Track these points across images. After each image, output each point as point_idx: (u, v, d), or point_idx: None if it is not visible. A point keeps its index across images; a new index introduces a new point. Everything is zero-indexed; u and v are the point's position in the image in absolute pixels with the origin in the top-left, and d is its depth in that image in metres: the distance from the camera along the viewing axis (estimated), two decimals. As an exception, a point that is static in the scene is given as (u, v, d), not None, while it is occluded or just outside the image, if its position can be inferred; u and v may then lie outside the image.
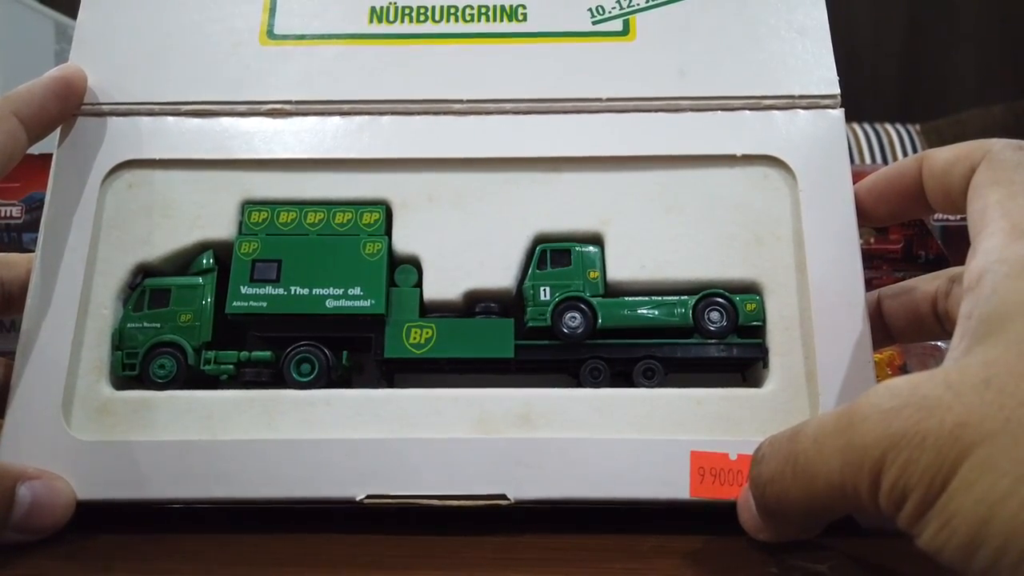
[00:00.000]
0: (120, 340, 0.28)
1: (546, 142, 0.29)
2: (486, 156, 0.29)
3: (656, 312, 0.28)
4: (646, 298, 0.28)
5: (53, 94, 0.29)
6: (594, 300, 0.28)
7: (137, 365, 0.27)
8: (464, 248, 0.29)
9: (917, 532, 0.18)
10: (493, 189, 0.29)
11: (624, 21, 0.31)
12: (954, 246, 0.32)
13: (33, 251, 0.28)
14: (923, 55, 1.39)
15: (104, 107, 0.30)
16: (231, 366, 0.28)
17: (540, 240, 0.29)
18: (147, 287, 0.28)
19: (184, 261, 0.29)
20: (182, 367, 0.27)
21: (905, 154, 1.21)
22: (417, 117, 0.30)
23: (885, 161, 1.18)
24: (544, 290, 0.28)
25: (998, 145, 0.23)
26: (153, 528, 0.26)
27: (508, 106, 0.30)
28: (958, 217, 0.37)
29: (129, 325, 0.28)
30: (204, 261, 0.29)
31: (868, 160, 1.17)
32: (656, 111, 0.30)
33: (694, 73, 0.30)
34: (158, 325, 0.28)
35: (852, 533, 0.25)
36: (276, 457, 0.26)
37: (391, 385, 0.30)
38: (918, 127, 1.27)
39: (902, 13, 1.40)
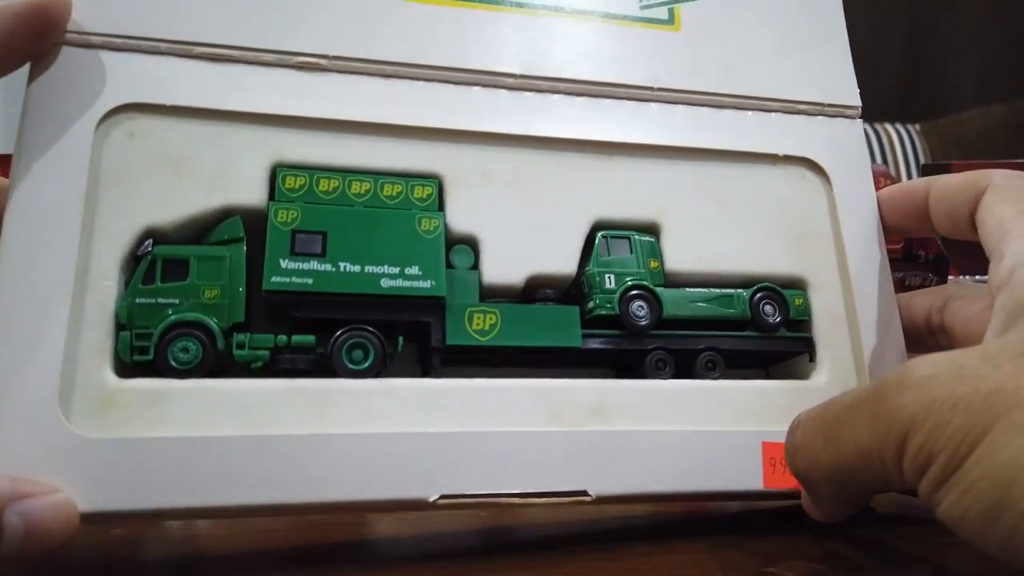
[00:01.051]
0: (128, 319, 0.23)
1: (600, 126, 0.28)
2: (540, 135, 0.28)
3: (717, 304, 0.28)
4: (706, 290, 0.28)
5: (23, 24, 0.23)
6: (658, 290, 0.27)
7: (151, 348, 0.23)
8: (525, 230, 0.27)
9: (938, 500, 0.18)
10: (549, 170, 0.28)
11: (669, 10, 0.31)
12: (954, 247, 0.35)
13: None
14: (923, 55, 1.37)
15: (93, 38, 0.25)
16: (267, 351, 0.24)
17: (598, 227, 0.28)
18: (159, 256, 0.24)
19: (201, 228, 0.25)
20: (208, 352, 0.23)
21: (905, 154, 1.21)
22: (466, 88, 0.28)
23: (885, 161, 1.19)
24: (609, 277, 0.27)
25: (1000, 173, 0.25)
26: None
27: (561, 86, 0.29)
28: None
29: (138, 300, 0.23)
30: (230, 229, 0.25)
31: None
32: (701, 105, 0.30)
33: (737, 71, 0.31)
34: (176, 301, 0.23)
35: (852, 533, 0.26)
36: (332, 455, 0.22)
37: (426, 376, 0.27)
38: (918, 127, 1.26)
39: (902, 13, 1.37)
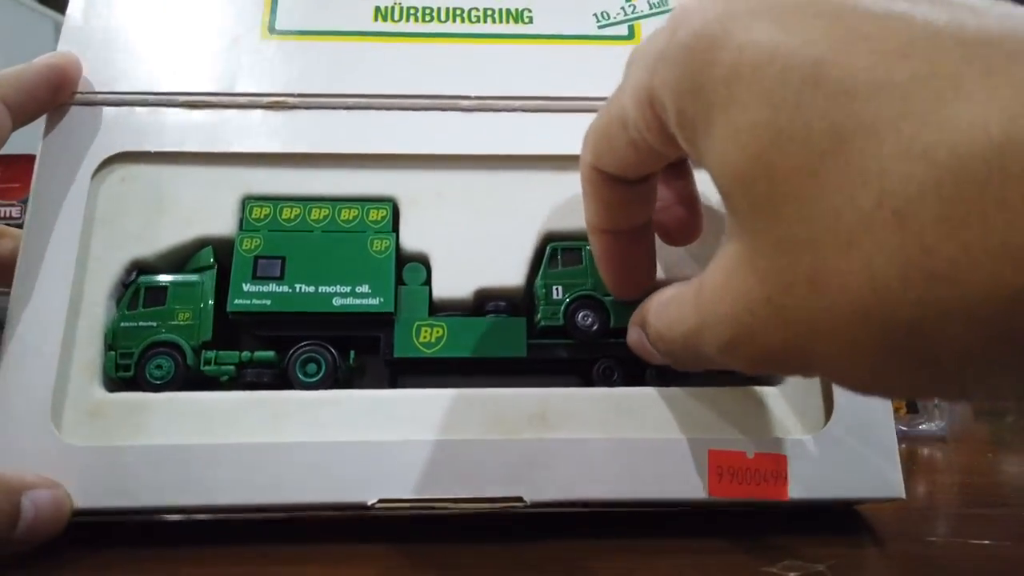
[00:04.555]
0: (113, 340, 0.26)
1: (554, 140, 0.29)
2: (494, 153, 0.29)
3: (669, 312, 0.28)
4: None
5: (45, 82, 0.28)
6: (606, 299, 0.27)
7: (132, 366, 0.26)
8: (474, 246, 0.28)
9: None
10: (502, 187, 0.29)
11: (629, 27, 0.32)
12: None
13: None
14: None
15: (97, 96, 0.29)
16: (232, 367, 0.26)
17: (549, 239, 0.29)
18: (142, 285, 0.27)
19: (181, 258, 0.28)
20: (180, 368, 0.26)
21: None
22: (424, 113, 0.29)
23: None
24: (556, 289, 0.27)
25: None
26: (150, 542, 0.25)
27: (516, 103, 0.30)
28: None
29: (123, 324, 0.26)
30: (203, 258, 0.27)
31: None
32: (662, 114, 0.30)
33: None
34: (154, 324, 0.27)
35: (852, 533, 0.26)
36: (283, 461, 0.24)
37: (395, 387, 0.29)
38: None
39: None
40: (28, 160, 0.28)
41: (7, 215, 0.39)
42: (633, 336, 0.25)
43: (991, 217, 0.12)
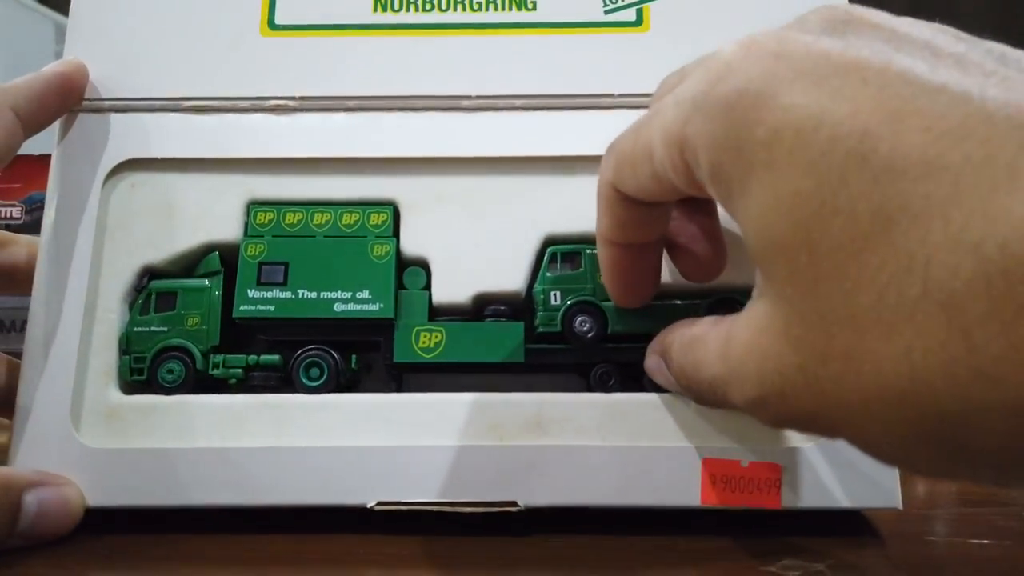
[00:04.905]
0: (127, 344, 0.27)
1: (558, 141, 0.29)
2: (496, 155, 0.29)
3: (668, 316, 0.27)
4: (658, 303, 0.28)
5: (54, 90, 0.28)
6: (605, 304, 0.27)
7: (145, 370, 0.27)
8: (473, 250, 0.28)
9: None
10: (503, 189, 0.29)
11: (637, 10, 0.30)
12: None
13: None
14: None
15: (104, 103, 0.29)
16: (240, 370, 0.27)
17: (550, 242, 0.28)
18: (153, 290, 0.28)
19: (190, 263, 0.29)
20: (190, 371, 0.27)
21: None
22: (424, 114, 0.29)
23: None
24: (555, 295, 0.27)
25: None
26: (154, 529, 0.26)
27: (518, 102, 0.29)
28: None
29: (136, 329, 0.28)
30: (210, 263, 0.28)
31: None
32: (669, 106, 0.29)
33: None
34: (165, 328, 0.28)
35: (852, 533, 0.26)
36: (286, 464, 0.26)
37: (400, 385, 0.29)
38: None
39: (902, 12, 1.35)
40: (28, 161, 0.28)
41: (7, 215, 0.41)
42: (652, 363, 0.25)
43: None
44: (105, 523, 0.26)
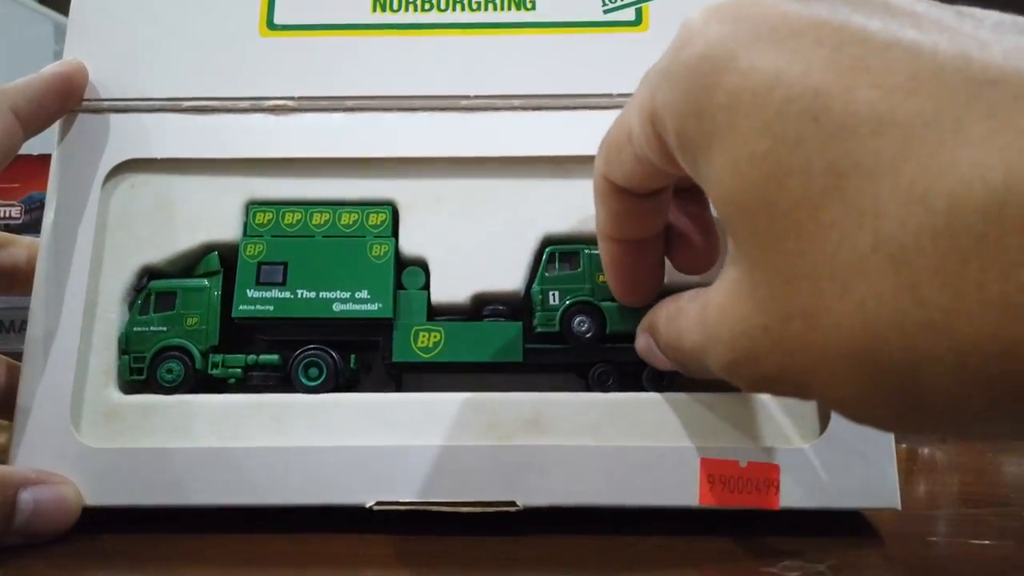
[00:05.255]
0: (127, 344, 0.27)
1: (556, 141, 0.29)
2: (494, 155, 0.29)
3: (667, 316, 0.27)
4: (656, 303, 0.28)
5: (53, 91, 0.28)
6: (603, 304, 0.27)
7: (144, 369, 0.27)
8: (472, 250, 0.28)
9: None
10: (502, 190, 0.29)
11: (636, 10, 0.30)
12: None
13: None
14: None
15: (104, 103, 0.29)
16: (239, 370, 0.27)
17: (548, 242, 0.28)
18: (152, 290, 0.28)
19: (189, 263, 0.29)
20: (189, 371, 0.27)
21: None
22: (423, 114, 0.29)
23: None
24: (553, 295, 0.27)
25: None
26: (153, 529, 0.26)
27: (517, 102, 0.29)
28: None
29: (135, 328, 0.28)
30: (210, 263, 0.28)
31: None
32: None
33: None
34: (164, 328, 0.28)
35: (853, 533, 0.26)
36: (285, 463, 0.26)
37: (399, 385, 0.30)
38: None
39: None
40: (27, 160, 0.28)
41: (7, 215, 0.41)
42: (641, 342, 0.25)
43: (987, 269, 0.12)
44: (104, 523, 0.26)
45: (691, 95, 0.17)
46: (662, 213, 0.24)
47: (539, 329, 0.27)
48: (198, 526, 0.26)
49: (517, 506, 0.25)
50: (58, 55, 0.30)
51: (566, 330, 0.27)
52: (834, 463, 0.25)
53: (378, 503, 0.25)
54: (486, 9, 0.30)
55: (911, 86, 0.14)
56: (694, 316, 0.20)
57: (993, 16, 0.15)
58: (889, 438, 0.25)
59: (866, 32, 0.15)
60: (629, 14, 0.30)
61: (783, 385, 0.17)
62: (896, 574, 0.24)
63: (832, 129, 0.14)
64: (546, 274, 0.28)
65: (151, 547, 0.25)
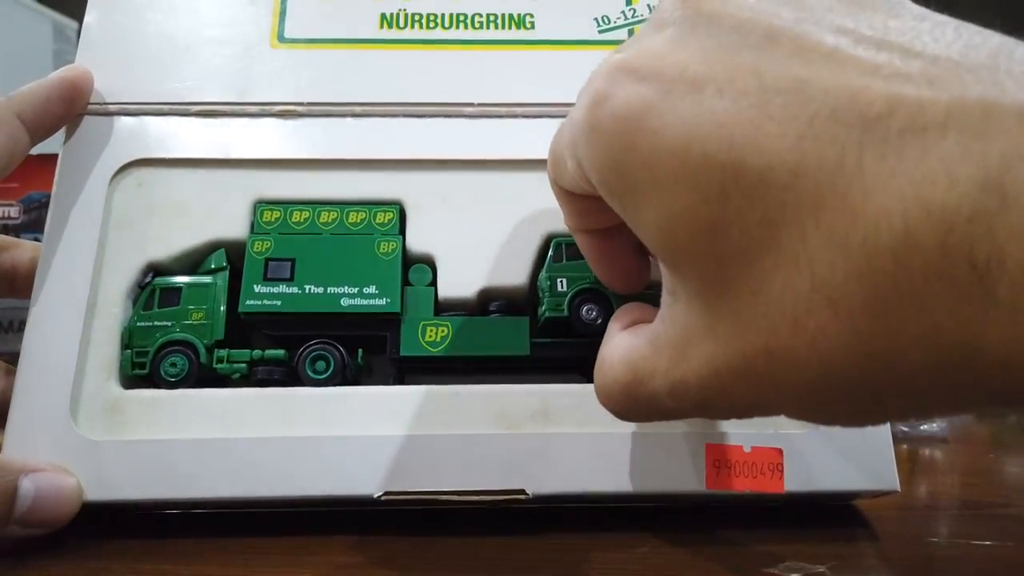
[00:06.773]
0: (130, 339, 0.27)
1: None
2: (499, 158, 0.30)
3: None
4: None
5: (58, 96, 0.29)
6: (610, 293, 0.28)
7: (147, 364, 0.27)
8: (478, 247, 0.29)
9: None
10: (505, 190, 0.30)
11: (629, 31, 0.32)
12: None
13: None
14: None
15: (111, 107, 0.30)
16: (244, 364, 0.27)
17: (551, 239, 0.29)
18: (157, 286, 0.28)
19: (195, 260, 0.29)
20: (194, 366, 0.27)
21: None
22: (429, 120, 0.30)
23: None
24: (561, 281, 0.28)
25: None
26: (154, 528, 0.25)
27: (519, 110, 0.31)
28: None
29: (139, 324, 0.27)
30: (216, 260, 0.28)
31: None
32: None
33: None
34: (169, 324, 0.27)
35: (853, 534, 0.26)
36: (292, 455, 0.25)
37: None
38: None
39: None
40: (27, 160, 0.29)
41: (6, 215, 0.40)
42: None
43: (904, 309, 0.13)
44: (104, 523, 0.25)
45: (610, 154, 0.17)
46: None
47: (548, 315, 0.28)
48: (198, 526, 0.25)
49: (526, 495, 0.25)
50: (57, 54, 0.30)
51: (575, 317, 0.28)
52: (833, 448, 0.26)
53: (386, 493, 0.25)
54: (488, 27, 0.32)
55: (813, 132, 0.14)
56: (646, 356, 0.19)
57: (866, 21, 0.15)
58: (886, 424, 0.26)
59: (760, 75, 0.15)
60: (622, 34, 0.32)
61: (753, 414, 0.18)
62: (897, 575, 0.24)
63: (752, 183, 0.15)
64: (553, 263, 0.29)
65: (151, 547, 0.24)
